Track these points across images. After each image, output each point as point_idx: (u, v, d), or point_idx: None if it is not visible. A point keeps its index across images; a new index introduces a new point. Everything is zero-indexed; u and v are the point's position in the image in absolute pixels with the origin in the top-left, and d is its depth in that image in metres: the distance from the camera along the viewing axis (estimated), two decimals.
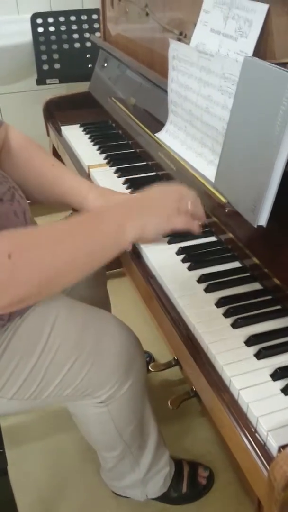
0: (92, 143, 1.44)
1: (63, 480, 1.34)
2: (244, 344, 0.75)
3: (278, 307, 0.81)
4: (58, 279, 0.74)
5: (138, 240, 0.81)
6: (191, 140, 1.05)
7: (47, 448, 1.42)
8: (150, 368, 1.43)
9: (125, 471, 1.14)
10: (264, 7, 0.84)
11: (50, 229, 0.77)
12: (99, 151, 1.38)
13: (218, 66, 0.91)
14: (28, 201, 0.93)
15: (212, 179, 0.94)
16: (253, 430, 0.65)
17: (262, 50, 0.86)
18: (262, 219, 0.79)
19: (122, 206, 0.83)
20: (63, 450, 1.41)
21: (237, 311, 0.80)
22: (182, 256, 0.94)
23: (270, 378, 0.69)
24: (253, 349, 0.74)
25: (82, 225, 0.79)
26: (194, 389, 1.40)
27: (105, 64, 1.63)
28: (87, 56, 1.97)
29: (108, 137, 1.46)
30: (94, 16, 1.94)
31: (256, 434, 0.65)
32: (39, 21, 1.90)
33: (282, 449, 0.61)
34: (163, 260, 0.93)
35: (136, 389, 0.99)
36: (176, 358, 1.50)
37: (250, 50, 0.87)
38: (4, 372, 0.86)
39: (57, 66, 1.96)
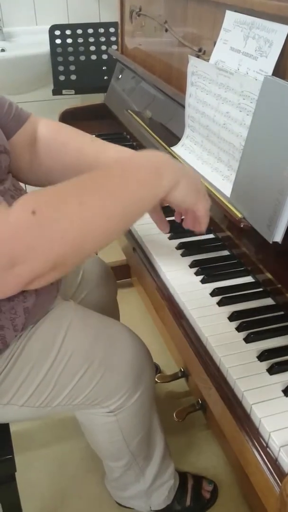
0: None
1: (67, 488, 1.34)
2: (256, 359, 0.76)
3: None
4: (88, 238, 0.66)
5: (167, 197, 0.74)
6: (207, 155, 1.06)
7: (51, 456, 1.42)
8: (156, 380, 1.44)
9: (130, 481, 1.14)
10: (285, 28, 0.85)
11: (78, 181, 0.68)
12: None
13: (237, 84, 0.92)
14: None
15: (228, 194, 0.95)
16: (265, 445, 0.65)
17: (281, 69, 0.88)
18: (278, 236, 0.80)
19: (160, 153, 0.75)
20: (67, 458, 1.41)
21: (250, 325, 0.81)
22: (195, 269, 0.95)
23: (282, 394, 0.70)
24: (266, 364, 0.74)
25: (114, 172, 0.71)
26: (200, 401, 1.40)
27: (122, 77, 1.65)
28: (103, 68, 2.00)
29: None
30: (111, 29, 1.98)
31: (268, 449, 0.65)
32: (57, 32, 1.94)
33: None
34: (177, 272, 0.94)
35: (145, 399, 1.00)
36: (182, 369, 1.50)
37: (269, 70, 0.88)
38: (16, 380, 0.87)
39: (73, 77, 1.99)
